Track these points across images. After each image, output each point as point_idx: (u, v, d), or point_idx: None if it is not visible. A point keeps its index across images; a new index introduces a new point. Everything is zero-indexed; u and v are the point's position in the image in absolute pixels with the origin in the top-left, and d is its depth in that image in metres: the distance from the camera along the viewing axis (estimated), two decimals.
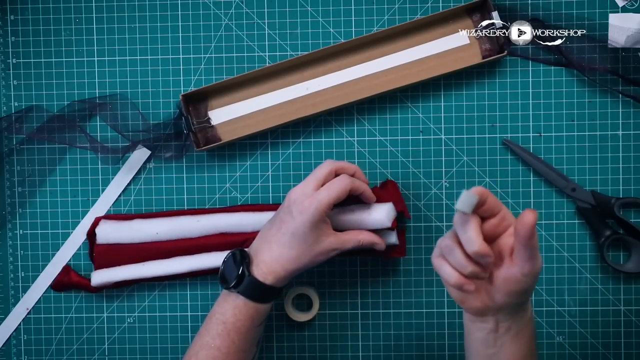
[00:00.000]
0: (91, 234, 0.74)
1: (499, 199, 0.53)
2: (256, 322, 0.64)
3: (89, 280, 0.73)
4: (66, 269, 0.75)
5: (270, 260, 0.63)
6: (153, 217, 0.74)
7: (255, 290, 0.62)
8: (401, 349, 0.76)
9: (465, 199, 0.49)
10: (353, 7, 0.74)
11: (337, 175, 0.64)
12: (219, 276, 0.65)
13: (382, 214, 0.67)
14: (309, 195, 0.61)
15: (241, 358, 0.64)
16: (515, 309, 0.55)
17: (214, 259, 0.72)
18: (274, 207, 0.72)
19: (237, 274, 0.63)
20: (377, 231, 0.67)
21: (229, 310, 0.63)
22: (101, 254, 0.73)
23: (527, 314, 0.57)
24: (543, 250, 0.74)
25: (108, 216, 0.75)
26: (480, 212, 0.51)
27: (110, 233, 0.73)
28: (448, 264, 0.53)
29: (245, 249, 0.66)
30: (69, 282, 0.74)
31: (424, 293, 0.75)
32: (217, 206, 0.75)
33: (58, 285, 0.75)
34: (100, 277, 0.73)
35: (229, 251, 0.66)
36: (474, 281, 0.53)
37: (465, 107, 0.74)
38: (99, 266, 0.73)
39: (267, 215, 0.70)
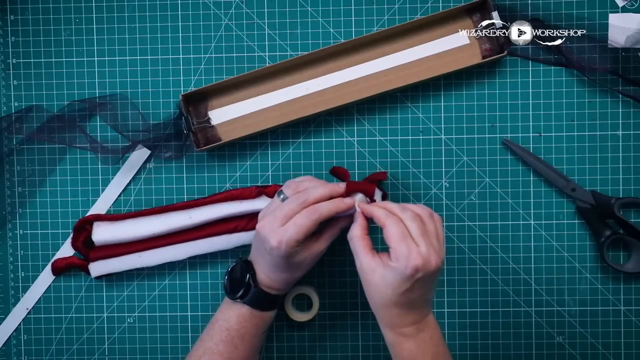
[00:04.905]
0: (77, 229, 0.74)
1: (387, 210, 0.61)
2: (261, 330, 0.66)
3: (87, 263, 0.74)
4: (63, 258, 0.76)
5: (267, 278, 0.66)
6: (144, 216, 0.74)
7: (261, 300, 0.65)
8: None
9: None
10: (353, 7, 0.74)
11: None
12: (224, 286, 0.67)
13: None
14: (276, 231, 0.61)
15: None
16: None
17: (209, 244, 0.73)
18: (257, 191, 0.72)
19: (243, 285, 0.65)
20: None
21: (234, 318, 0.65)
22: (98, 248, 0.74)
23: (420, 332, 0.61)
24: (543, 250, 0.74)
25: (98, 216, 0.74)
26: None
27: (107, 236, 0.73)
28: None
29: (250, 260, 0.67)
30: (69, 263, 0.75)
31: None
32: None
33: (57, 267, 0.75)
34: (98, 269, 0.74)
35: (232, 260, 0.68)
36: None
37: (465, 107, 0.74)
38: (95, 259, 0.74)
39: (253, 203, 0.72)
